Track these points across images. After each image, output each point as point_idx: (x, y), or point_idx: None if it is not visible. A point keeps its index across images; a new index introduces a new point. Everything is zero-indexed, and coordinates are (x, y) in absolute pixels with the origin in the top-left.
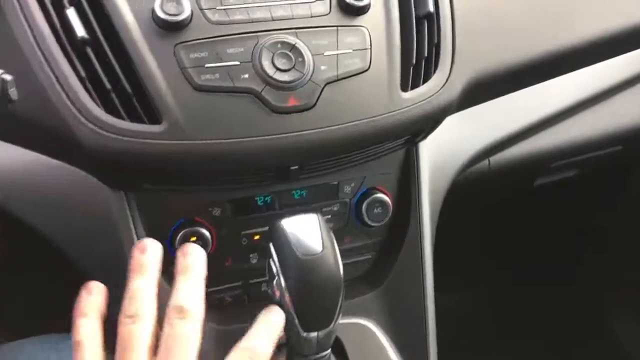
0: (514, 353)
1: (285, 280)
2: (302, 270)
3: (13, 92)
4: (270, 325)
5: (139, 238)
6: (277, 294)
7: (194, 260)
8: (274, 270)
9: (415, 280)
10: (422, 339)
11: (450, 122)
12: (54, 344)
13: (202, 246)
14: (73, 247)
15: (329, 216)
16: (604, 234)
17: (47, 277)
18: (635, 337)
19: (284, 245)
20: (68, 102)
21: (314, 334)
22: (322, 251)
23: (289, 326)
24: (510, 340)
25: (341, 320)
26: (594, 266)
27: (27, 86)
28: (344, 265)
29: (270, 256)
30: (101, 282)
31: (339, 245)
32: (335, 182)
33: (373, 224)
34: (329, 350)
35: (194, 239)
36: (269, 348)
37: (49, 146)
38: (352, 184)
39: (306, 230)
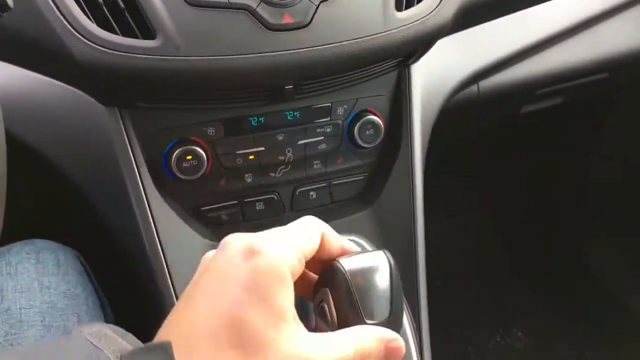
0: (495, 278)
1: None
2: None
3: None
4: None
5: (135, 156)
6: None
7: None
8: (328, 318)
9: (406, 200)
10: (411, 254)
11: (441, 47)
12: (35, 252)
13: (197, 165)
14: (71, 165)
15: (322, 137)
16: (585, 164)
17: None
18: (605, 262)
19: (347, 304)
20: (60, 16)
21: None
22: (390, 316)
23: None
24: (491, 269)
25: None
26: (572, 196)
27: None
28: (338, 185)
29: (325, 301)
30: (98, 199)
31: (332, 167)
32: (328, 104)
33: (365, 145)
34: None
35: (189, 157)
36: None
37: (43, 63)
38: (345, 106)
39: (375, 289)
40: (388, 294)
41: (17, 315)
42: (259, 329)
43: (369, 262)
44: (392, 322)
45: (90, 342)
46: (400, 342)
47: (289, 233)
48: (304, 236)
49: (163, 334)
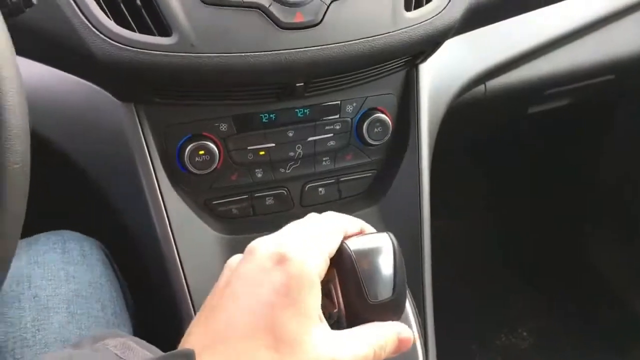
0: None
1: (346, 317)
2: (368, 314)
3: None
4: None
5: (149, 150)
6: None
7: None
8: (334, 298)
9: (413, 197)
10: (417, 251)
11: (449, 47)
12: (62, 242)
13: (209, 160)
14: (87, 159)
15: (332, 134)
16: (593, 164)
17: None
18: (612, 264)
19: (352, 284)
20: (79, 13)
21: None
22: (393, 295)
23: None
24: (497, 268)
25: None
26: (578, 197)
27: None
28: (347, 181)
29: (331, 281)
30: (114, 192)
31: (341, 164)
32: (338, 102)
33: (373, 143)
34: None
35: (202, 152)
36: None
37: (62, 59)
38: (354, 104)
39: (379, 269)
40: (391, 274)
41: (44, 302)
42: (292, 330)
43: (374, 244)
44: (395, 302)
45: (116, 354)
46: (410, 333)
47: (315, 237)
48: (329, 239)
49: (190, 341)
